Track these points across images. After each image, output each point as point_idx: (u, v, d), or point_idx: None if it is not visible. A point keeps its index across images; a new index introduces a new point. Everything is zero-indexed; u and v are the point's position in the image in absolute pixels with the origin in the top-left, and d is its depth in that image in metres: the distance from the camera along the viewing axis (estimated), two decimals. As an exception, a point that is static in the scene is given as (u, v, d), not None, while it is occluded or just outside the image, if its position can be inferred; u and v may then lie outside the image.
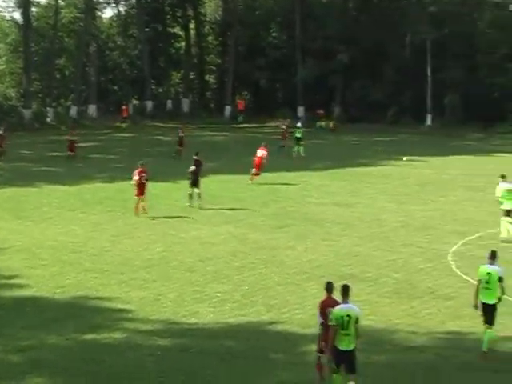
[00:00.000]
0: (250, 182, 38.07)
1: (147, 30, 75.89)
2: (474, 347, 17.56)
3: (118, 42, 76.92)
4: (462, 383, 15.78)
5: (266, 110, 70.07)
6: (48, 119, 65.94)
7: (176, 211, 31.93)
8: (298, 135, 47.74)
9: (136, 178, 31.20)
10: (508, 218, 27.17)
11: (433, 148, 51.31)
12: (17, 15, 75.59)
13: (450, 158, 46.88)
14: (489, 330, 16.69)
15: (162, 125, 66.55)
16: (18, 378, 15.71)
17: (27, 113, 64.69)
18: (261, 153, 39.03)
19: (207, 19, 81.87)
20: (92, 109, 69.71)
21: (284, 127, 50.84)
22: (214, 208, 32.49)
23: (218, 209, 32.35)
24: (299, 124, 49.31)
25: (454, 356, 17.10)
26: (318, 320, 15.40)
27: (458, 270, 23.38)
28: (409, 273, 23.14)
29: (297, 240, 27.05)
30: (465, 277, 22.68)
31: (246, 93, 78.33)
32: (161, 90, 79.43)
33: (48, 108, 67.40)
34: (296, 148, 47.51)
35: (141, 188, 30.98)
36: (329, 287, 15.21)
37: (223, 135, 61.05)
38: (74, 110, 68.13)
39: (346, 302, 14.53)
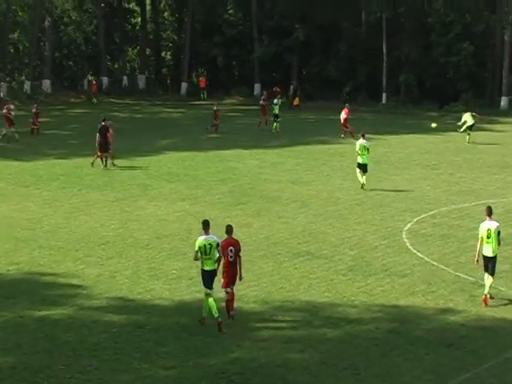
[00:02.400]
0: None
1: (103, 5, 74.94)
2: (426, 323, 17.87)
3: (74, 17, 75.79)
4: (415, 358, 16.03)
5: (223, 88, 69.83)
6: (1, 94, 64.87)
7: (132, 188, 31.76)
8: (277, 111, 47.74)
9: None
10: (359, 170, 32.04)
11: (388, 126, 51.63)
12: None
13: (406, 136, 47.18)
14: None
15: (117, 101, 65.97)
16: (-30, 355, 15.60)
17: (-20, 87, 63.63)
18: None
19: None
20: (46, 84, 68.77)
21: (215, 108, 48.99)
22: (170, 185, 32.41)
23: (174, 186, 32.27)
24: (276, 100, 48.71)
25: (407, 331, 17.36)
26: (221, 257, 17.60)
27: (412, 248, 23.68)
28: (364, 250, 23.38)
29: (253, 217, 27.12)
30: (419, 254, 22.99)
31: (202, 70, 77.90)
32: (116, 66, 78.58)
33: (2, 83, 66.29)
34: (275, 125, 47.51)
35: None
36: (228, 230, 18.22)
37: (179, 112, 60.72)
38: (28, 85, 67.16)
39: (208, 234, 17.70)
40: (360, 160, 32.13)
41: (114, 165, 35.69)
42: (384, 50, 64.27)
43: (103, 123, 36.15)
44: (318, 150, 38.38)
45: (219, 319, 17.14)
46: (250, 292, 19.55)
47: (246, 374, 15.14)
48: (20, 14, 74.96)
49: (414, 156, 40.74)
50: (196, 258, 17.86)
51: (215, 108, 48.14)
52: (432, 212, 28.31)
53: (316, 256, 22.68)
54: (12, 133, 43.01)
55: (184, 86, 72.09)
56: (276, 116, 47.89)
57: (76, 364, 15.33)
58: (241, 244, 18.20)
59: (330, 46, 68.73)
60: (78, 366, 15.26)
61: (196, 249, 17.66)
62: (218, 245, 17.59)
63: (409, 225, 26.47)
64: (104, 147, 35.46)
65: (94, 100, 65.53)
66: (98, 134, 35.65)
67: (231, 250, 17.79)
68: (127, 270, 21.20)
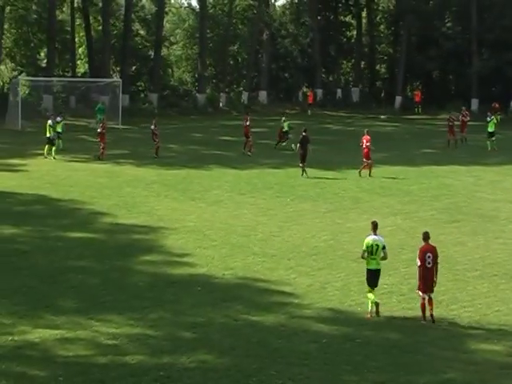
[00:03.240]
0: (362, 175, 36.82)
1: (319, 18, 76.00)
2: None
3: (290, 30, 77.44)
4: None
5: (438, 102, 68.45)
6: (220, 104, 67.52)
7: (343, 200, 31.86)
8: (491, 129, 45.68)
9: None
10: None
11: None
12: (194, 2, 77.87)
13: None
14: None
15: (331, 113, 66.57)
16: (189, 353, 16.21)
17: (201, 97, 66.52)
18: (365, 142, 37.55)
19: (379, 8, 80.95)
20: (263, 95, 70.73)
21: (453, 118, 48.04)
22: (382, 199, 32.17)
23: (386, 200, 32.00)
24: (489, 118, 46.27)
25: None
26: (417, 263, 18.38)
27: None
28: None
29: (468, 236, 26.31)
30: None
31: (417, 83, 76.88)
32: (331, 79, 79.39)
33: (221, 93, 68.99)
34: (488, 143, 45.74)
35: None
36: (425, 237, 18.59)
37: (393, 126, 60.22)
38: (245, 96, 69.37)
39: (376, 235, 18.74)
40: None
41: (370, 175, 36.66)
42: None
43: (304, 133, 37.42)
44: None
45: (375, 302, 18.63)
46: (464, 313, 18.95)
47: (459, 397, 14.67)
48: (240, 26, 77.71)
49: None
50: (363, 257, 18.88)
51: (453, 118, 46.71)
52: None
53: (535, 280, 21.59)
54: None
55: (398, 99, 71.48)
56: (490, 134, 45.70)
57: (287, 371, 15.51)
58: (438, 251, 18.58)
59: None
60: (289, 373, 15.44)
61: (364, 248, 18.74)
62: (384, 247, 18.73)
63: None
64: (304, 158, 36.67)
65: (309, 111, 66.56)
66: (298, 144, 37.20)
67: (429, 257, 18.29)
68: (338, 281, 21.24)
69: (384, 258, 18.83)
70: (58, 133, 42.38)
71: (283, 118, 46.60)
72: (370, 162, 37.27)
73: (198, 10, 73.07)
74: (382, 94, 76.13)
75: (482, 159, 42.79)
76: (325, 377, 15.38)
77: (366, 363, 16.01)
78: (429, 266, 18.30)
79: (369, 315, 18.68)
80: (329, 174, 37.37)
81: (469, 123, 50.13)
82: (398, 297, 19.98)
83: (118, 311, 18.55)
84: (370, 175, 36.87)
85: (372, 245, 18.66)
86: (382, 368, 15.84)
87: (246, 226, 27.25)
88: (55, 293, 19.90)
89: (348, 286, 20.91)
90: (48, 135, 40.61)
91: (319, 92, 72.85)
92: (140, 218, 28.14)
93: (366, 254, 18.67)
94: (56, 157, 40.15)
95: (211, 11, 74.22)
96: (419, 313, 18.80)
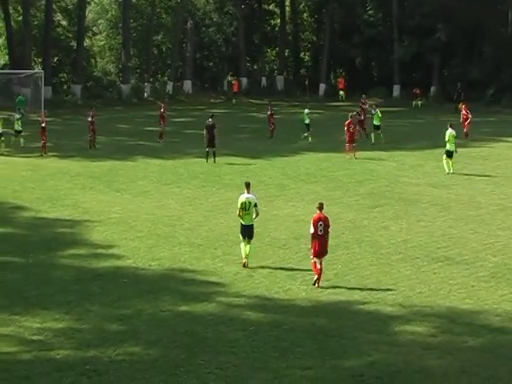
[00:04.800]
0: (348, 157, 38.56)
1: (243, 7, 76.02)
2: None
3: (214, 19, 77.28)
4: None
5: (362, 89, 69.24)
6: (145, 94, 67.01)
7: (269, 188, 32.04)
8: (376, 123, 44.30)
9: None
10: (446, 157, 35.42)
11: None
12: (116, -8, 76.73)
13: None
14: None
15: (256, 101, 66.75)
16: (116, 345, 16.11)
17: (125, 88, 65.90)
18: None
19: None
20: (188, 85, 70.47)
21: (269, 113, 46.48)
22: (308, 186, 32.46)
23: (311, 187, 32.30)
24: (374, 111, 44.62)
25: (553, 343, 16.64)
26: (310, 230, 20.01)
27: (558, 256, 22.68)
28: (507, 257, 22.58)
29: (391, 220, 26.79)
30: None
31: (341, 71, 77.66)
32: (255, 67, 79.55)
33: (145, 83, 68.47)
34: (373, 135, 44.16)
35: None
36: (319, 207, 20.43)
37: (318, 113, 60.63)
38: (170, 86, 68.99)
39: (248, 193, 21.32)
40: (448, 147, 35.34)
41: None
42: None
43: (210, 120, 38.15)
44: (459, 153, 37.37)
45: (245, 260, 21.15)
46: (388, 295, 19.29)
47: (383, 378, 14.93)
48: (164, 16, 77.15)
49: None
50: (239, 215, 21.30)
51: (269, 113, 46.41)
52: None
53: (456, 261, 22.12)
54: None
55: (322, 87, 72.10)
56: (376, 127, 43.67)
57: (215, 360, 15.56)
58: (330, 221, 20.33)
59: (472, 47, 66.98)
60: (217, 362, 15.49)
61: (239, 206, 21.30)
62: (256, 204, 21.28)
63: (556, 231, 25.38)
64: (211, 142, 37.42)
65: (234, 100, 66.56)
66: (205, 130, 37.91)
67: (321, 225, 20.01)
68: (264, 269, 21.36)
69: (257, 214, 21.33)
70: (18, 131, 41.49)
71: (306, 110, 45.30)
72: (353, 145, 38.78)
73: (120, 0, 72.20)
74: (307, 82, 76.67)
75: (404, 144, 43.54)
76: (252, 364, 15.47)
77: (292, 349, 16.17)
78: (320, 233, 19.97)
79: (244, 261, 21.26)
80: (254, 162, 37.51)
81: (391, 109, 50.78)
82: (323, 282, 20.18)
83: (42, 306, 18.30)
84: (355, 157, 38.41)
85: (245, 202, 21.23)
86: (308, 353, 16.02)
87: (172, 216, 27.18)
88: (-23, 290, 19.53)
89: (274, 273, 21.06)
90: None
91: (244, 80, 72.96)
92: (64, 211, 27.79)
93: (240, 211, 21.19)
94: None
95: (134, 1, 73.49)
96: (345, 297, 19.13)
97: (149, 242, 23.81)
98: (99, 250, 23.03)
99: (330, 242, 23.21)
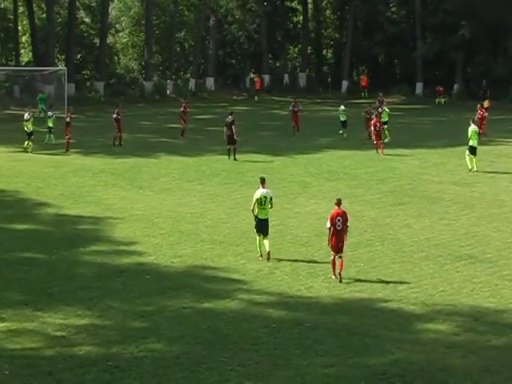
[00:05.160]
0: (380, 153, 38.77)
1: (265, 4, 75.94)
2: None
3: (237, 16, 77.20)
4: None
5: (384, 86, 68.97)
6: (168, 91, 67.14)
7: (292, 185, 32.00)
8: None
9: None
10: (469, 153, 35.11)
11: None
12: (139, -11, 76.93)
13: None
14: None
15: (278, 99, 66.68)
16: (138, 342, 16.17)
17: (148, 85, 66.04)
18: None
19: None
20: (210, 82, 70.52)
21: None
22: (330, 184, 32.38)
23: (333, 185, 32.21)
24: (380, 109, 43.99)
25: None
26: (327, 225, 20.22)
27: None
28: (531, 255, 22.42)
29: (414, 218, 26.66)
30: None
31: (363, 68, 77.37)
32: (278, 65, 79.46)
33: (168, 80, 68.59)
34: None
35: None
36: (337, 202, 20.51)
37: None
38: (192, 83, 69.09)
39: (264, 188, 21.72)
40: (471, 143, 35.06)
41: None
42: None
43: (230, 117, 38.15)
44: (483, 151, 37.16)
45: (263, 252, 21.59)
46: (411, 293, 19.21)
47: (406, 376, 14.87)
48: (186, 13, 77.22)
49: None
50: (252, 210, 21.68)
51: (290, 109, 46.21)
52: None
53: (479, 260, 21.98)
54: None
55: (345, 84, 71.92)
56: (384, 123, 42.07)
57: (236, 357, 15.57)
58: (348, 216, 20.42)
59: (497, 44, 66.47)
60: (239, 359, 15.50)
61: (254, 200, 21.62)
62: (271, 198, 21.72)
63: None
64: (231, 140, 37.37)
65: (256, 97, 66.57)
66: (225, 128, 37.91)
67: (339, 220, 20.13)
68: (286, 266, 21.34)
69: (270, 207, 21.78)
70: (50, 127, 41.74)
71: (342, 107, 45.15)
72: (380, 141, 39.07)
73: (143, -3, 72.33)
74: (329, 79, 76.51)
75: (427, 142, 43.31)
76: (274, 361, 15.47)
77: (314, 347, 16.14)
78: (339, 228, 20.13)
79: (259, 257, 21.58)
80: (277, 160, 37.49)
81: (414, 106, 50.48)
82: (346, 279, 20.15)
83: (65, 302, 18.40)
84: (383, 153, 38.60)
85: (261, 197, 21.57)
86: (330, 351, 15.99)
87: (194, 213, 27.21)
88: (1, 285, 19.65)
89: (296, 270, 21.03)
90: (26, 130, 39.67)
91: (266, 78, 72.90)
92: (87, 207, 27.91)
93: (255, 206, 21.58)
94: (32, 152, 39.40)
95: (157, -2, 73.59)
96: (367, 295, 19.07)
97: (171, 239, 23.86)
98: (121, 247, 23.11)
99: (353, 239, 23.29)
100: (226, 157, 37.78)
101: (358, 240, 23.66)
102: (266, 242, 21.73)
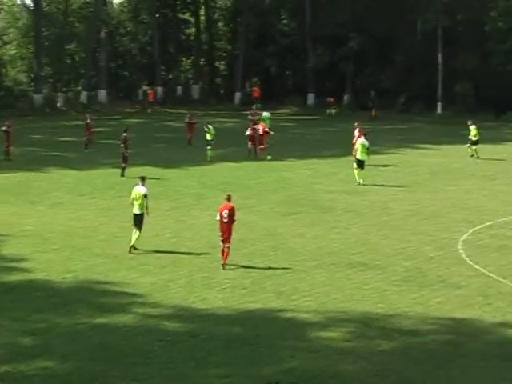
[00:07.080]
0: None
1: (157, 15, 75.71)
2: (482, 336, 17.60)
3: (129, 28, 76.71)
4: (471, 371, 15.78)
5: (276, 98, 69.88)
6: (58, 104, 66.00)
7: (186, 198, 31.98)
8: (209, 137, 41.09)
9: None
10: (356, 167, 35.40)
11: (444, 136, 51.08)
12: (27, 0, 75.50)
13: (462, 146, 46.52)
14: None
15: (171, 111, 66.53)
16: (28, 360, 15.82)
17: (38, 98, 64.75)
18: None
19: (217, 5, 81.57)
20: (102, 94, 69.74)
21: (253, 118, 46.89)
22: (224, 195, 32.46)
23: (227, 195, 32.35)
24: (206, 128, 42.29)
25: (463, 344, 17.12)
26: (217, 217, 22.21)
27: (467, 259, 23.37)
28: (419, 261, 23.14)
29: (306, 227, 27.08)
30: (475, 266, 22.67)
31: (256, 80, 78.10)
32: (171, 76, 79.24)
33: (59, 93, 67.44)
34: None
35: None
36: (227, 198, 22.60)
37: (233, 122, 60.91)
38: (84, 96, 68.15)
39: (141, 185, 24.15)
40: (359, 156, 35.40)
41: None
42: (440, 60, 63.69)
43: (124, 134, 37.09)
44: (372, 161, 38.08)
45: (130, 245, 23.50)
46: (304, 302, 19.51)
47: (299, 384, 15.09)
48: (77, 25, 76.15)
49: (469, 166, 40.24)
50: (131, 203, 24.00)
51: (187, 121, 46.71)
52: (489, 223, 27.93)
53: (369, 267, 22.53)
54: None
55: (237, 95, 72.39)
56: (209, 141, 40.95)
57: (130, 372, 15.44)
58: (236, 210, 22.29)
59: (384, 56, 68.37)
60: (133, 373, 15.38)
61: (132, 196, 24.11)
62: (145, 196, 23.89)
63: (465, 236, 26.14)
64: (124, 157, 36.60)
65: (149, 110, 66.22)
66: (122, 145, 36.76)
67: (226, 213, 22.08)
68: (181, 278, 21.32)
69: (146, 206, 23.76)
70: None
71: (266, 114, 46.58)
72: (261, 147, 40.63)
73: (32, 8, 70.94)
74: (222, 91, 76.95)
75: (318, 152, 44.07)
76: (169, 374, 15.42)
77: (209, 358, 16.18)
78: (225, 220, 22.06)
79: (128, 248, 23.45)
80: (171, 172, 37.40)
81: (306, 117, 51.15)
82: (240, 290, 20.30)
83: (-48, 323, 17.82)
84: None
85: (136, 193, 23.96)
86: (225, 362, 16.06)
87: (87, 227, 26.85)
88: None
89: (191, 282, 21.04)
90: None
91: (159, 90, 72.62)
92: (-26, 224, 27.11)
93: (132, 199, 23.93)
94: None
95: (46, 9, 72.33)
96: (261, 305, 19.26)
97: (63, 255, 23.46)
98: (11, 264, 22.55)
99: (246, 250, 23.55)
100: (119, 170, 37.41)
101: (251, 251, 23.87)
102: (135, 236, 23.67)
